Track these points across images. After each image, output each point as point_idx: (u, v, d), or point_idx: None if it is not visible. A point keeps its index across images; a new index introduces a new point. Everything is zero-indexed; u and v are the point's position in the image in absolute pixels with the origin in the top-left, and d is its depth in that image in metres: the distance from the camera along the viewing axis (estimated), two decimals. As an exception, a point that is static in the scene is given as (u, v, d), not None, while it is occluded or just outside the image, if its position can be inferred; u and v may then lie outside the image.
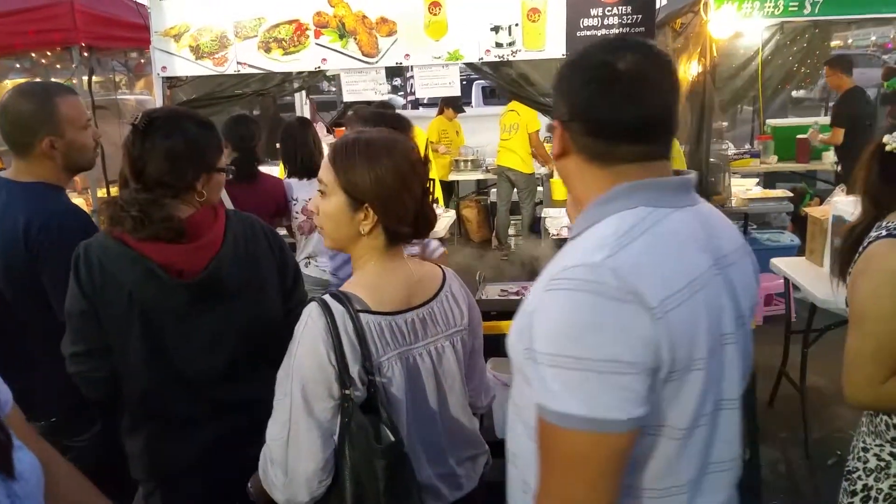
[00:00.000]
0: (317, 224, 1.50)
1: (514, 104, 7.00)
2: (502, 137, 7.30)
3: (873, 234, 1.67)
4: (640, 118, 1.06)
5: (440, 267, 1.58)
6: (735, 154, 7.30)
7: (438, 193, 5.98)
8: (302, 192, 3.53)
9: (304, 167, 3.49)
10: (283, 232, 3.74)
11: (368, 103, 5.13)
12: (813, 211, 3.59)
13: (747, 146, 7.80)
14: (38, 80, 5.12)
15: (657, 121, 1.09)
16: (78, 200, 5.39)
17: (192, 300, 1.62)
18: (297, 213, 3.53)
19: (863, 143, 5.96)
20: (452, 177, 7.92)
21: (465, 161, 7.90)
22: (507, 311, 2.55)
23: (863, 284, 1.65)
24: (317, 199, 1.48)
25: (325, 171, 1.45)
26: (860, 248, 1.69)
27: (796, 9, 4.46)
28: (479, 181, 8.68)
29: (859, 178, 1.79)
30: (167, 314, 1.61)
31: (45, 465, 1.05)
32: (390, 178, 1.40)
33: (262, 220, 3.23)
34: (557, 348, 0.98)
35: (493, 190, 8.11)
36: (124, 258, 1.59)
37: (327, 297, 1.38)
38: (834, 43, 11.33)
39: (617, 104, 1.06)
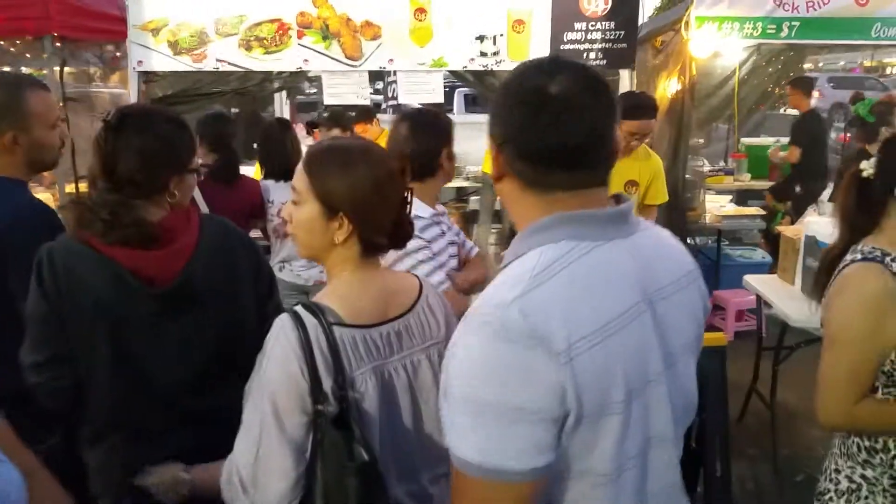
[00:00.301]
0: (289, 232, 1.45)
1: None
2: (488, 144, 7.27)
3: (848, 257, 1.69)
4: (570, 144, 1.03)
5: (416, 277, 1.55)
6: (710, 171, 7.39)
7: (416, 199, 5.94)
8: (278, 194, 3.47)
9: (282, 169, 3.44)
10: (257, 234, 3.67)
11: (352, 108, 5.10)
12: (786, 230, 3.64)
13: (721, 163, 7.90)
14: (6, 69, 4.99)
15: (589, 147, 1.05)
16: (45, 196, 5.25)
17: (163, 308, 1.56)
18: (272, 215, 3.47)
19: (816, 162, 6.13)
20: (431, 183, 7.89)
21: (444, 167, 7.87)
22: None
23: (837, 307, 1.66)
24: (289, 206, 1.43)
25: (299, 178, 1.40)
26: (836, 272, 1.70)
27: (774, 31, 4.55)
28: (459, 188, 8.65)
29: (837, 203, 1.81)
30: (136, 322, 1.55)
31: (27, 477, 1.00)
32: (367, 187, 1.36)
33: (236, 222, 3.20)
34: (462, 391, 0.96)
35: (475, 198, 8.08)
36: (91, 262, 1.52)
37: (299, 309, 1.33)
38: (806, 66, 11.59)
39: (547, 130, 1.03)
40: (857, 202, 1.72)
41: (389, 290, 1.44)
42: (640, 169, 3.58)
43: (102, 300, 1.51)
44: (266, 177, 3.52)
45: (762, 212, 5.21)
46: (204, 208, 2.99)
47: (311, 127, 4.36)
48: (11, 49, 4.88)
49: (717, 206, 5.36)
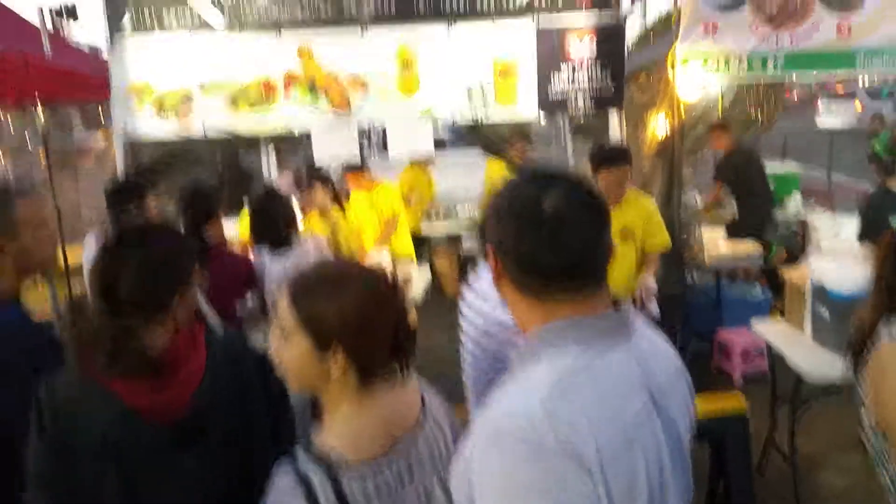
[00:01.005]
0: (278, 368, 1.31)
1: (497, 155, 6.97)
2: (488, 190, 7.24)
3: (884, 331, 1.62)
4: (566, 261, 1.07)
5: (416, 383, 1.44)
6: (704, 202, 7.40)
7: (411, 251, 5.86)
8: (275, 264, 3.37)
9: (276, 243, 3.34)
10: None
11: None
12: (791, 274, 3.59)
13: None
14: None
15: (584, 262, 1.09)
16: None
17: (172, 442, 1.46)
18: (270, 289, 3.35)
19: (754, 194, 6.15)
20: (425, 229, 7.82)
21: (437, 211, 7.81)
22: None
23: (888, 398, 1.58)
24: (277, 342, 1.30)
25: (284, 311, 1.28)
26: (871, 342, 1.63)
27: (759, 66, 4.56)
28: (451, 236, 8.58)
29: (873, 268, 1.74)
30: (144, 457, 1.43)
31: None
32: (360, 312, 1.25)
33: (232, 294, 3.08)
34: None
35: (466, 241, 8.02)
36: (96, 399, 1.40)
37: (302, 464, 1.23)
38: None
39: (542, 246, 1.07)
40: (895, 268, 1.66)
41: (392, 410, 1.32)
42: (632, 215, 3.53)
43: (109, 438, 1.40)
44: (259, 249, 3.41)
45: (759, 248, 5.17)
46: (204, 305, 2.88)
47: (297, 186, 4.28)
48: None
49: (712, 241, 5.32)
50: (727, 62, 4.54)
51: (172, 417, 1.45)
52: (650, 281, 3.46)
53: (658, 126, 5.02)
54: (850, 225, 3.81)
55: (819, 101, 21.09)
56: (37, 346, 1.67)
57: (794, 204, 6.93)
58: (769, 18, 4.48)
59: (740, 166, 6.56)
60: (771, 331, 3.55)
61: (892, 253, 1.67)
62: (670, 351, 1.23)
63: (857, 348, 1.69)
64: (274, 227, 3.39)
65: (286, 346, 1.29)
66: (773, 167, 8.10)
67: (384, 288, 1.32)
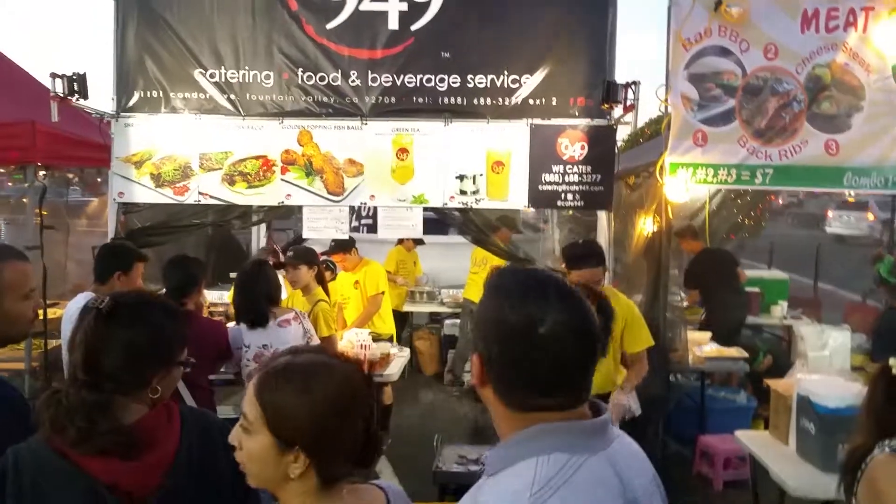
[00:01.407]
0: (238, 460, 1.29)
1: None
2: (472, 271, 7.33)
3: (877, 451, 1.62)
4: (553, 382, 1.08)
5: (380, 488, 1.40)
6: (687, 304, 7.44)
7: (392, 329, 5.85)
8: (253, 338, 3.37)
9: (253, 316, 3.36)
10: (228, 377, 3.53)
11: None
12: (776, 385, 3.59)
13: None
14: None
15: (572, 382, 1.10)
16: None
17: None
18: (248, 360, 3.35)
19: (722, 300, 6.25)
20: (407, 307, 7.84)
21: (421, 292, 7.86)
22: (465, 485, 2.38)
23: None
24: (238, 432, 1.28)
25: (249, 404, 1.25)
26: (862, 467, 1.63)
27: (748, 178, 4.68)
28: (432, 313, 8.60)
29: (864, 398, 1.76)
30: None
31: None
32: (326, 415, 1.23)
33: (202, 366, 3.05)
34: None
35: (448, 321, 8.03)
36: (63, 475, 1.37)
37: None
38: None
39: (531, 368, 1.08)
40: (886, 400, 1.67)
41: None
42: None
43: None
44: (238, 321, 3.43)
45: (744, 354, 5.17)
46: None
47: (278, 265, 4.33)
48: (-7, 176, 4.88)
49: (697, 343, 5.33)
50: (716, 173, 4.67)
51: (143, 494, 1.41)
52: (623, 398, 3.42)
53: (646, 225, 5.11)
54: (837, 336, 3.84)
55: (830, 211, 21.53)
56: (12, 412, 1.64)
57: (780, 311, 6.98)
58: (758, 133, 4.65)
59: (708, 271, 6.66)
60: (755, 441, 3.53)
61: (880, 383, 1.69)
62: (647, 463, 1.23)
63: (851, 467, 1.68)
64: (255, 304, 3.42)
65: (247, 439, 1.27)
66: (761, 273, 8.21)
67: (356, 383, 1.29)
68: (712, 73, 4.65)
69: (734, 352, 5.20)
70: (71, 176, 5.91)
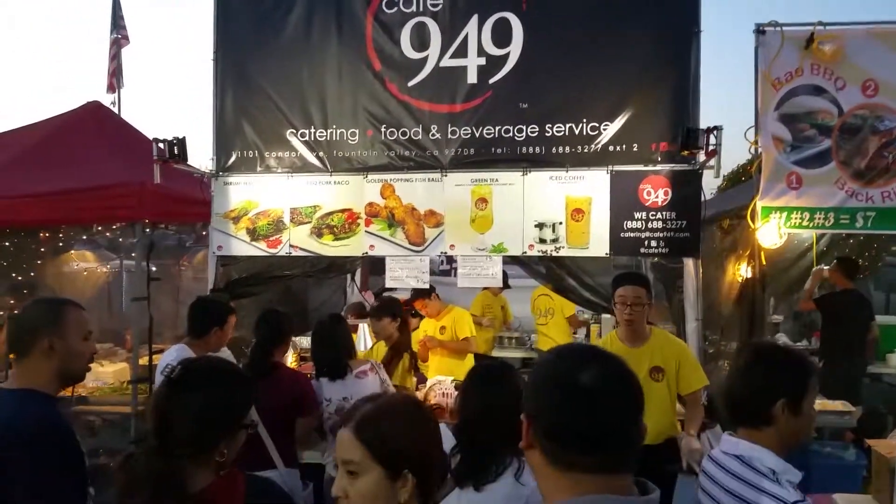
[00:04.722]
0: None
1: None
2: (538, 322, 7.24)
3: None
4: (594, 435, 1.11)
5: None
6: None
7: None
8: (334, 391, 3.48)
9: (332, 369, 3.47)
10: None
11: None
12: (877, 445, 3.30)
13: (804, 342, 7.47)
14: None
15: (612, 438, 1.12)
16: (121, 367, 5.50)
17: None
18: (330, 413, 3.46)
19: (838, 339, 5.75)
20: (496, 352, 7.80)
21: (510, 338, 7.81)
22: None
23: None
24: (343, 482, 1.36)
25: (352, 449, 1.35)
26: None
27: (847, 222, 4.40)
28: (525, 359, 8.49)
29: None
30: None
31: None
32: (424, 437, 1.37)
33: (275, 419, 3.14)
34: None
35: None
36: None
37: None
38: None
39: (572, 418, 1.11)
40: None
41: None
42: (662, 354, 3.55)
43: None
44: (318, 375, 3.54)
45: (851, 409, 4.79)
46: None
47: (359, 315, 4.47)
48: (107, 234, 5.33)
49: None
50: (812, 217, 4.42)
51: None
52: (694, 443, 3.28)
53: (739, 271, 4.88)
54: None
55: None
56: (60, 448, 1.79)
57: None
58: (857, 174, 4.38)
59: (842, 315, 6.20)
60: (854, 506, 3.25)
61: None
62: None
63: None
64: (335, 356, 3.52)
65: (355, 482, 1.34)
66: (878, 318, 7.61)
67: (433, 416, 1.43)
68: (805, 112, 4.45)
69: (839, 405, 4.83)
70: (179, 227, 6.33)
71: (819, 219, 4.41)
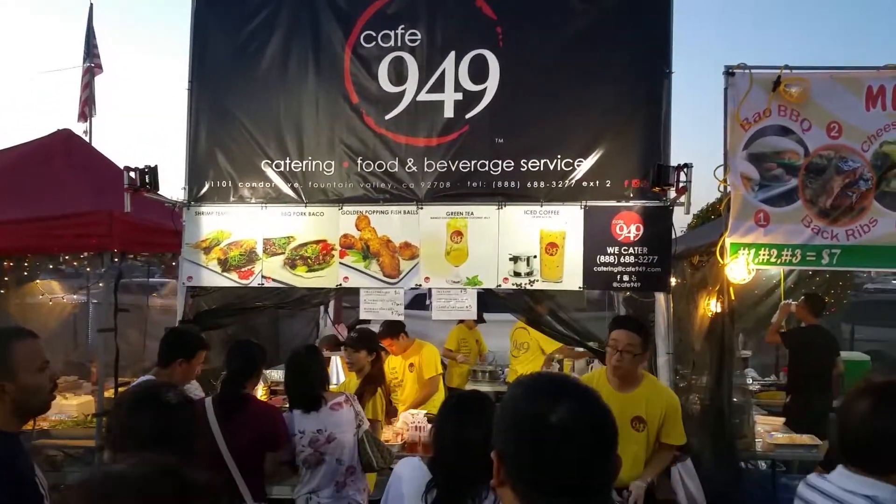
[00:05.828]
0: None
1: (524, 320, 6.91)
2: (513, 354, 7.19)
3: None
4: (566, 477, 1.09)
5: None
6: (761, 385, 7.08)
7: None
8: (307, 424, 3.41)
9: (306, 400, 3.41)
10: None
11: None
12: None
13: (773, 377, 7.57)
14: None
15: (585, 480, 1.10)
16: (85, 399, 5.35)
17: None
18: (303, 445, 3.38)
19: (805, 373, 5.78)
20: (469, 386, 7.74)
21: (483, 372, 7.77)
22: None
23: None
24: None
25: None
26: None
27: (814, 258, 4.50)
28: (497, 393, 8.44)
29: None
30: None
31: None
32: None
33: (247, 453, 3.08)
34: None
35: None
36: None
37: None
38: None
39: (544, 460, 1.09)
40: None
41: None
42: (647, 404, 3.43)
43: None
44: (292, 407, 3.48)
45: (818, 442, 4.84)
46: (221, 443, 2.93)
47: (340, 345, 4.42)
48: (74, 263, 5.22)
49: (768, 431, 5.03)
50: (779, 253, 4.51)
51: None
52: (640, 489, 3.22)
53: (709, 307, 4.94)
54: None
55: None
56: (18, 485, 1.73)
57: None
58: (823, 213, 4.48)
59: (808, 351, 6.31)
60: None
61: None
62: None
63: None
64: (310, 388, 3.46)
65: None
66: (843, 354, 7.73)
67: None
68: (773, 152, 4.57)
69: (807, 439, 4.88)
70: (148, 258, 6.25)
71: (786, 255, 4.50)
